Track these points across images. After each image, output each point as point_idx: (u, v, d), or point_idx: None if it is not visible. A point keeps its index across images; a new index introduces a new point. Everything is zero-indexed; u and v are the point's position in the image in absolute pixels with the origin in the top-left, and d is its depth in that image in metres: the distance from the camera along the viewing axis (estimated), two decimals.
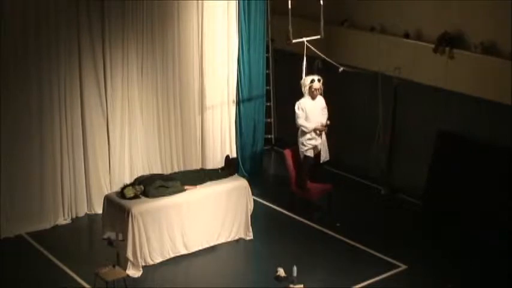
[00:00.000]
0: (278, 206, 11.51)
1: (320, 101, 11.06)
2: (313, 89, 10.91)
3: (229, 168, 10.68)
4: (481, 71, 10.54)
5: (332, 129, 11.23)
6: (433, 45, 11.05)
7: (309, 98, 10.96)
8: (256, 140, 12.61)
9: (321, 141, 11.08)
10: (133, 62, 11.10)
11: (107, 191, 10.84)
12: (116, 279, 8.54)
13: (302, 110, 10.94)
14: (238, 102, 12.29)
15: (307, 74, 10.96)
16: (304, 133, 11.03)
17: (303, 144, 11.07)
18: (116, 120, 11.10)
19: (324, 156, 11.22)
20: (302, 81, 10.95)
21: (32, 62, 10.17)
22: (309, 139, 11.00)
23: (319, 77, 10.97)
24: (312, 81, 10.89)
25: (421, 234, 10.66)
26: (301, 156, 11.12)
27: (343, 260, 9.90)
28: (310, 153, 11.09)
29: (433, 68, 11.13)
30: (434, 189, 11.14)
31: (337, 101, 11.14)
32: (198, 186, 9.95)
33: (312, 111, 10.96)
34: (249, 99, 12.34)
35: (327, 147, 11.21)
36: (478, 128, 10.71)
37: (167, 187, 9.67)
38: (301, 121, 10.95)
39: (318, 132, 10.98)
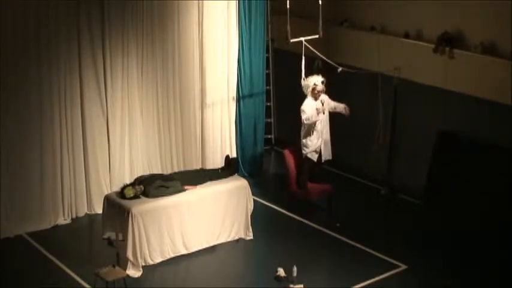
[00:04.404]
0: (278, 206, 11.50)
1: (323, 99, 11.03)
2: (316, 91, 10.89)
3: (229, 168, 10.68)
4: (481, 71, 10.54)
5: (332, 129, 11.22)
6: (433, 45, 11.06)
7: (312, 98, 10.94)
8: (256, 140, 12.60)
9: (322, 141, 11.07)
10: (133, 62, 11.10)
11: (107, 191, 10.84)
12: (116, 279, 8.54)
13: (309, 109, 10.89)
14: (239, 102, 12.28)
15: (306, 74, 10.95)
16: (307, 135, 11.00)
17: (305, 146, 11.06)
18: (116, 120, 11.09)
19: (327, 155, 11.19)
20: (305, 82, 10.90)
21: (32, 62, 10.17)
22: (312, 141, 10.99)
23: (323, 79, 10.93)
24: (315, 83, 10.88)
25: (421, 234, 10.65)
26: (303, 157, 11.11)
27: (343, 260, 9.90)
28: (312, 156, 11.07)
29: (433, 68, 11.13)
30: (434, 189, 11.14)
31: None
32: (198, 186, 9.95)
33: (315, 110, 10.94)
34: (249, 99, 12.34)
35: (330, 146, 11.19)
36: (478, 128, 10.71)
37: (167, 187, 9.67)
38: (306, 118, 10.86)
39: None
